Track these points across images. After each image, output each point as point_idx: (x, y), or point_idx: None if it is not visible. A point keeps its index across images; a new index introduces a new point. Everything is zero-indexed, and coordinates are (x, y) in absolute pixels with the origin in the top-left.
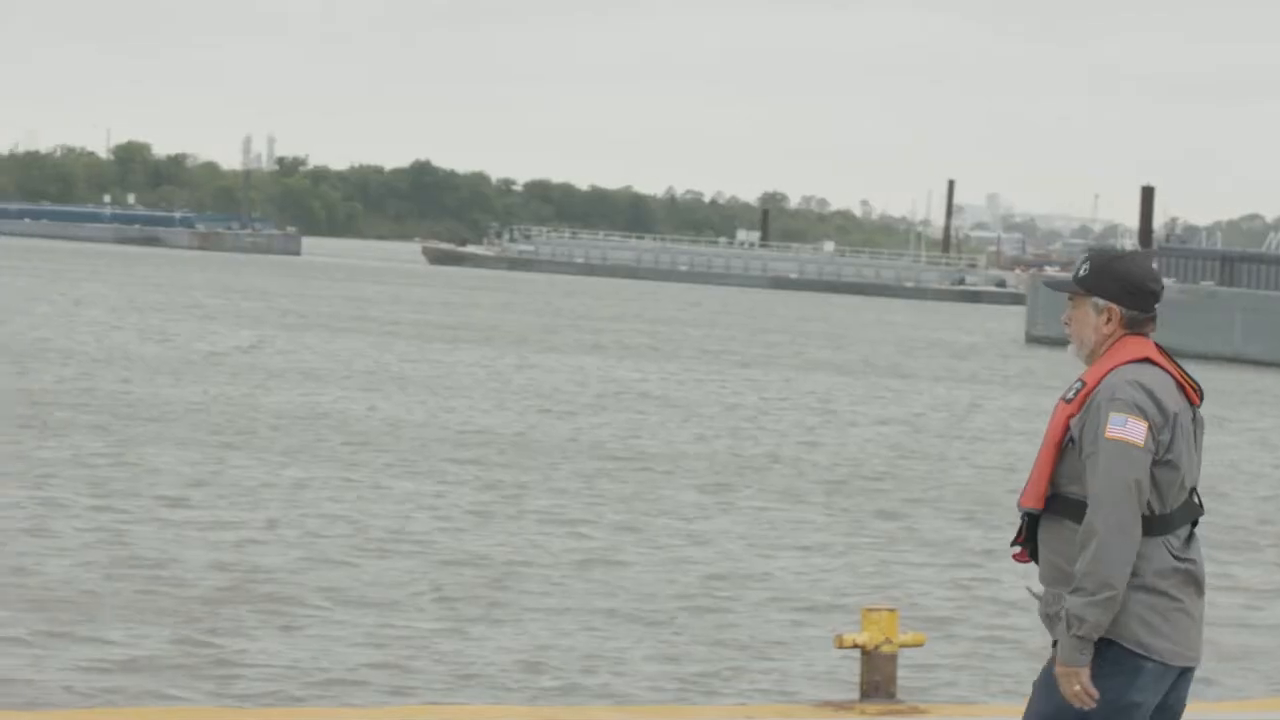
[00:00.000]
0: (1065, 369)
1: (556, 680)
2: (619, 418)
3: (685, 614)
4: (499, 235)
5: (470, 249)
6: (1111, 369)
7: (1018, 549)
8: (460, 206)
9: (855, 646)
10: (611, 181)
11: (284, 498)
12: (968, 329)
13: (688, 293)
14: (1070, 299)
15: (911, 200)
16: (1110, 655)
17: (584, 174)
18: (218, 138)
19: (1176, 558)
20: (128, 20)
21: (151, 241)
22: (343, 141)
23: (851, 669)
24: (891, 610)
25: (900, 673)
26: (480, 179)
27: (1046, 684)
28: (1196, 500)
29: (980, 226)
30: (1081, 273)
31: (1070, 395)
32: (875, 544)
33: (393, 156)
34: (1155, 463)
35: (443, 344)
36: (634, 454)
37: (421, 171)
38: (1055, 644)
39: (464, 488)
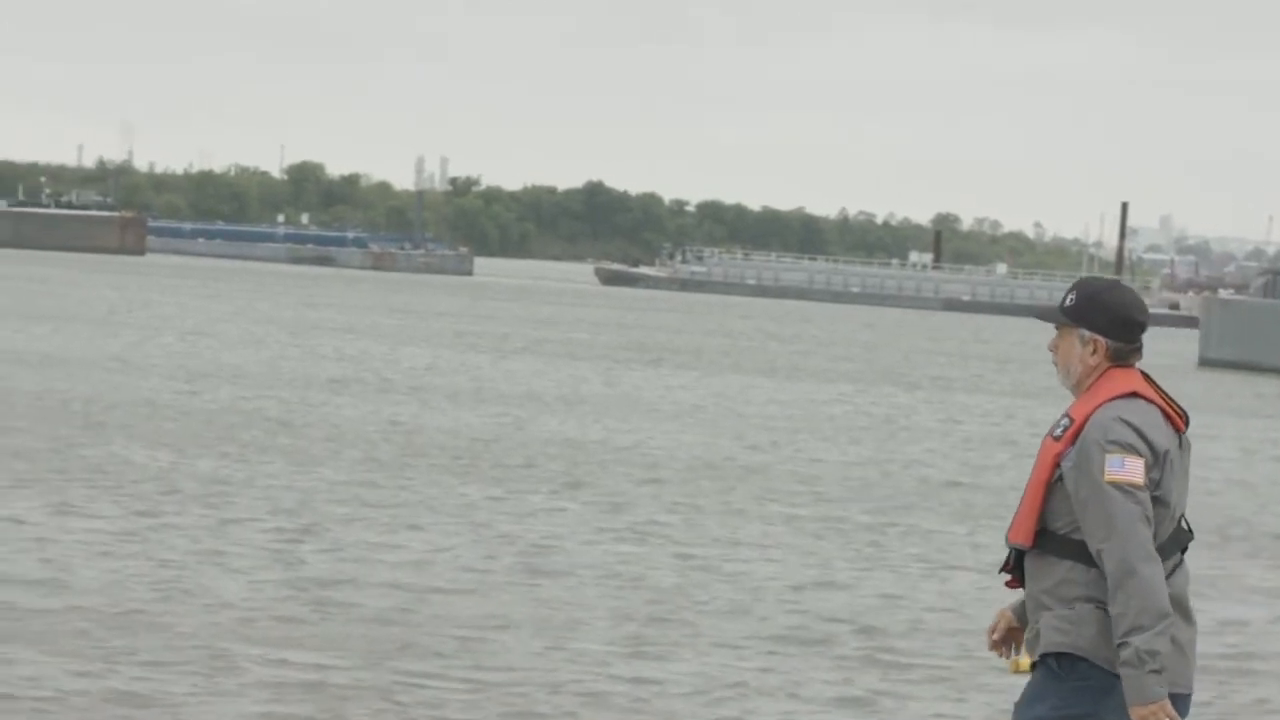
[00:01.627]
0: (1241, 392)
1: (732, 706)
2: (797, 440)
3: (861, 636)
4: (671, 256)
5: (642, 270)
6: (1099, 405)
7: (1008, 576)
8: (633, 227)
9: (1032, 669)
10: (784, 203)
11: (458, 517)
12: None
13: (860, 314)
14: (1057, 329)
15: (1084, 222)
16: (1080, 671)
17: (756, 195)
18: (391, 157)
19: None
20: (302, 40)
21: (324, 261)
22: (516, 162)
23: None
24: None
25: None
26: (653, 200)
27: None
28: (1185, 527)
29: (1154, 249)
30: (1068, 303)
31: (1058, 432)
32: None
33: (566, 177)
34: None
35: (615, 363)
36: (808, 477)
37: (594, 192)
38: (1032, 666)
39: (640, 509)
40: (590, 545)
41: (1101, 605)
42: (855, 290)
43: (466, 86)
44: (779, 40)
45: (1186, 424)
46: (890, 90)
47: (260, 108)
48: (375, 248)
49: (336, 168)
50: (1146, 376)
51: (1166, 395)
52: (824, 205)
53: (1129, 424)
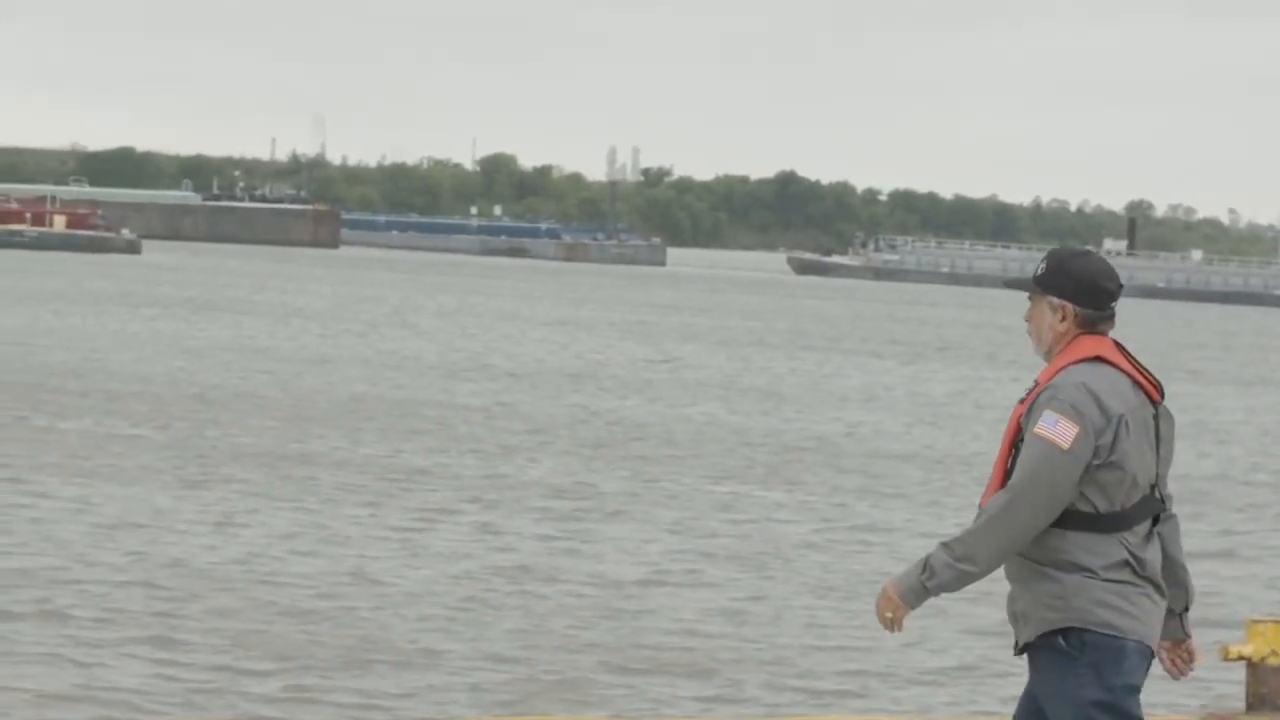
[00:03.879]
0: None
1: (940, 694)
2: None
3: None
4: (864, 245)
5: (836, 259)
6: (1062, 368)
7: None
8: (825, 216)
9: (1241, 658)
10: (976, 190)
11: (661, 507)
12: None
13: None
14: (1030, 297)
15: (1279, 208)
16: (1092, 644)
17: (948, 183)
18: (582, 149)
19: (1132, 554)
20: (493, 33)
21: (517, 253)
22: (708, 152)
23: (1238, 681)
24: (1278, 622)
25: None
26: (845, 189)
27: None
28: (1158, 496)
29: None
30: (1039, 271)
31: (1024, 395)
32: (1265, 556)
33: (758, 167)
34: (1098, 465)
35: (815, 352)
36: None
37: (786, 181)
38: (1025, 648)
39: (844, 498)
40: (792, 532)
41: (1083, 569)
42: None
43: (659, 77)
44: (970, 28)
45: (1162, 395)
46: (1083, 78)
47: (452, 101)
48: (568, 239)
49: (529, 159)
50: (1119, 346)
51: (1139, 364)
52: (1017, 193)
53: (1085, 387)
